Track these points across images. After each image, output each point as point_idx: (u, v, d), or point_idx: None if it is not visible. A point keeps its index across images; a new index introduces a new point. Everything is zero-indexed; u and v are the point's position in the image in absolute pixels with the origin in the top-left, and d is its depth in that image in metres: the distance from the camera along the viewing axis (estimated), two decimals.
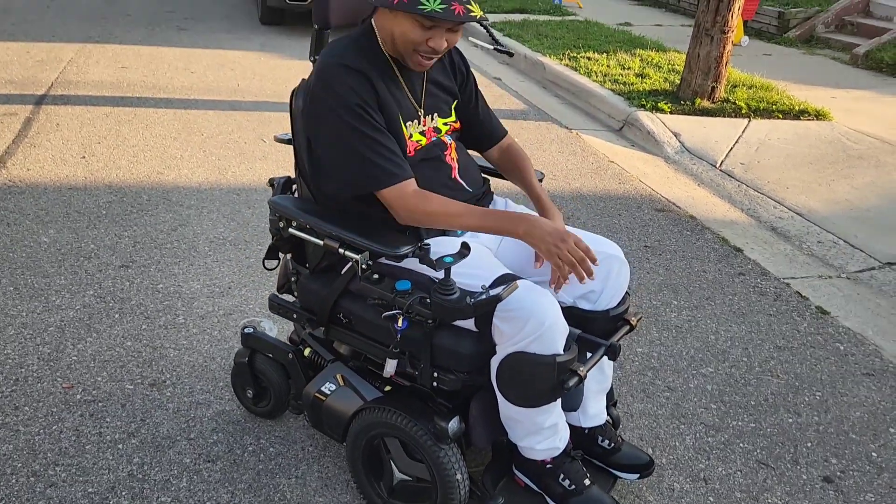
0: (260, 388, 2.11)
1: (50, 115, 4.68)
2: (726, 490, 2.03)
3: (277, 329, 2.58)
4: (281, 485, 1.94)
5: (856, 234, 3.64)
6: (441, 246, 1.65)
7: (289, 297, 1.99)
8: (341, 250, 1.64)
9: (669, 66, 6.23)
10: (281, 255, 1.96)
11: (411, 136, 1.71)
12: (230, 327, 2.60)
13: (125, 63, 6.04)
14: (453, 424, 1.63)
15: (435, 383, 1.65)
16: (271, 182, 1.98)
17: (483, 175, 1.93)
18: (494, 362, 1.59)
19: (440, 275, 1.52)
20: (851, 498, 2.03)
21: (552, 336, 1.52)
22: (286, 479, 1.96)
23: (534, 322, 1.50)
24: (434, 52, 1.62)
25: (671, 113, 5.17)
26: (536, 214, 1.64)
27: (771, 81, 5.89)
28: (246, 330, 2.09)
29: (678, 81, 5.57)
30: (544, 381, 1.53)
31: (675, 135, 4.88)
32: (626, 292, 1.82)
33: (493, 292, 1.49)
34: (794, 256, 3.47)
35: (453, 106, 1.85)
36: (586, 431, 1.91)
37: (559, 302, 1.60)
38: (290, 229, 1.77)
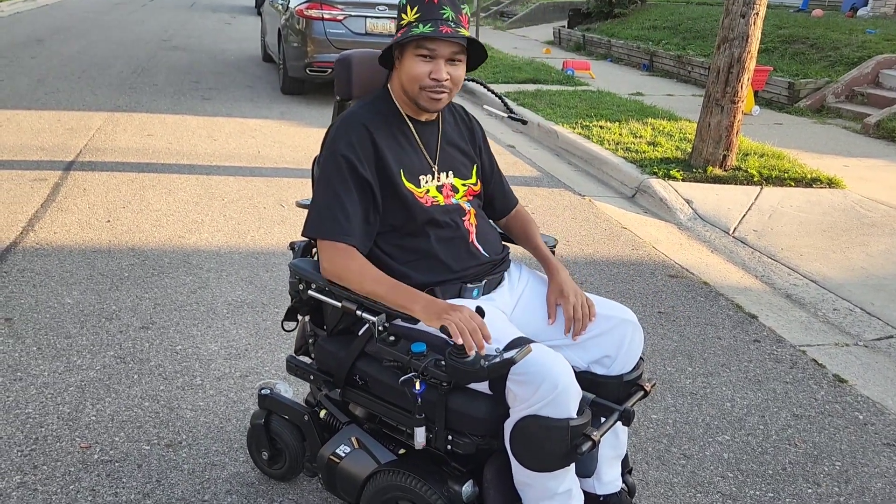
0: (275, 450, 2.12)
1: (78, 180, 4.83)
2: None
3: (293, 391, 2.61)
4: None
5: (872, 301, 3.64)
6: None
7: (306, 359, 2.02)
8: (359, 312, 1.67)
9: (681, 135, 6.35)
10: (299, 317, 2.00)
11: (428, 191, 1.79)
12: (246, 389, 2.63)
13: (151, 131, 6.25)
14: (467, 488, 1.63)
15: (449, 446, 1.65)
16: (292, 246, 2.04)
17: (504, 243, 1.98)
18: (508, 425, 1.59)
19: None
20: None
21: (565, 400, 1.53)
22: None
23: (547, 385, 1.51)
24: (439, 86, 1.72)
25: (683, 180, 5.24)
26: (434, 299, 1.64)
27: (782, 150, 5.98)
28: (263, 391, 2.12)
29: (690, 150, 5.67)
30: (557, 444, 1.53)
31: (688, 202, 4.94)
32: (641, 358, 1.82)
33: (506, 355, 1.50)
34: (810, 324, 3.46)
35: (474, 170, 1.92)
36: (601, 499, 1.88)
37: (573, 367, 1.61)
38: (310, 291, 1.81)
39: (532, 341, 1.59)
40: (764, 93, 8.56)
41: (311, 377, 1.92)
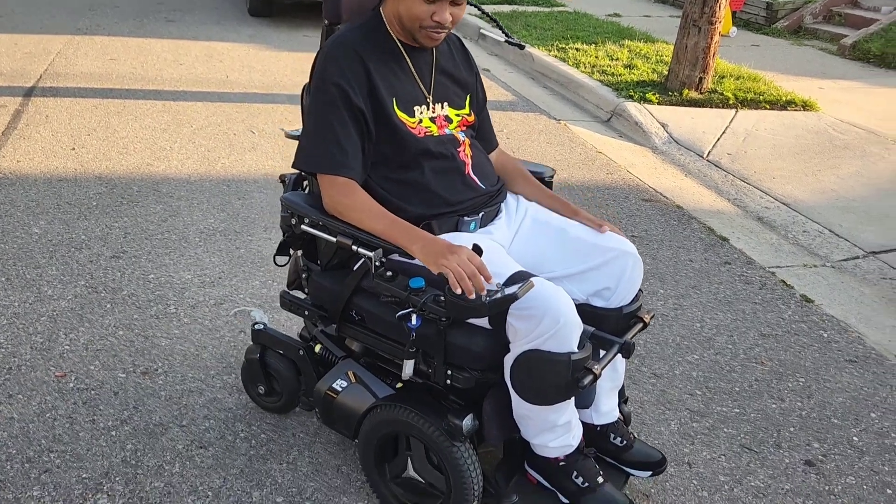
0: (271, 385, 2.12)
1: (39, 107, 4.66)
2: (710, 474, 2.07)
3: (268, 318, 2.61)
4: (272, 470, 1.97)
5: (841, 223, 3.69)
6: (454, 242, 1.62)
7: (299, 294, 1.98)
8: (354, 247, 1.63)
9: (658, 57, 6.26)
10: (291, 251, 1.95)
11: (420, 121, 1.73)
12: (221, 316, 2.62)
13: (113, 55, 6.02)
14: (467, 422, 1.61)
15: (448, 381, 1.63)
16: (282, 178, 1.97)
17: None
18: (508, 360, 1.58)
19: None
20: (833, 481, 2.08)
21: (567, 334, 1.51)
22: (278, 465, 1.99)
23: (549, 320, 1.48)
24: (440, 27, 1.65)
25: (659, 104, 5.21)
26: (433, 238, 1.58)
27: (758, 72, 5.93)
28: (256, 326, 2.08)
29: (666, 72, 5.61)
30: (559, 378, 1.52)
31: (663, 125, 4.92)
32: (640, 290, 1.80)
33: (508, 291, 1.46)
34: (780, 246, 3.52)
35: (467, 100, 1.86)
36: (598, 429, 1.89)
37: (572, 299, 1.58)
38: (303, 226, 1.75)
39: (532, 275, 1.56)
40: (742, 14, 8.43)
41: (306, 312, 1.89)
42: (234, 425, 2.11)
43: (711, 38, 5.21)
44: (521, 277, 1.53)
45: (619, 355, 1.69)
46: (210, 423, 2.12)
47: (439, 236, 1.65)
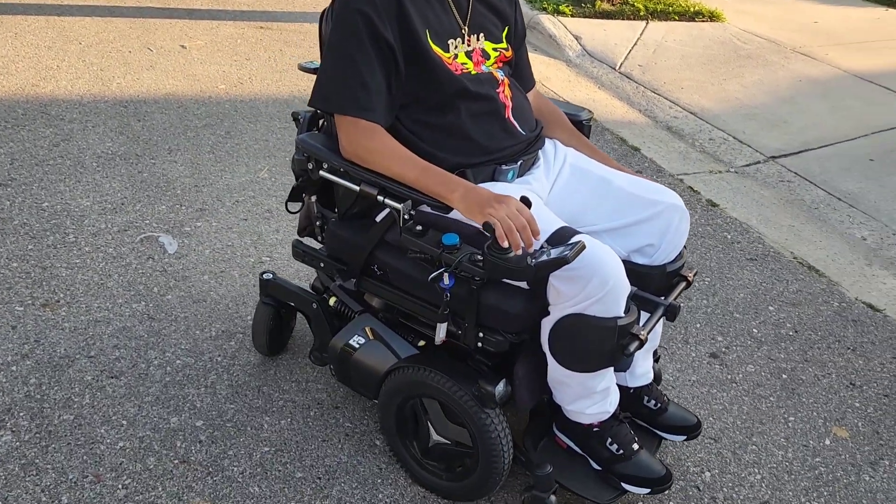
0: (281, 337, 2.01)
1: None
2: None
3: (177, 244, 2.52)
4: (190, 395, 1.93)
5: (744, 130, 3.81)
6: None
7: (312, 243, 1.84)
8: (380, 198, 1.47)
9: None
10: (305, 197, 1.77)
11: (456, 56, 1.54)
12: (126, 244, 2.50)
13: None
14: (500, 388, 1.48)
15: (480, 343, 1.50)
16: (295, 116, 1.80)
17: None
18: (547, 324, 1.44)
19: None
20: (734, 370, 2.20)
21: (615, 297, 1.37)
22: (195, 389, 1.94)
23: (597, 282, 1.34)
24: None
25: (572, 16, 5.16)
26: (473, 186, 1.42)
27: None
28: (266, 276, 1.92)
29: None
30: (603, 345, 1.40)
31: (577, 38, 4.90)
32: (684, 247, 1.67)
33: (555, 252, 1.30)
34: (688, 153, 3.61)
35: (505, 32, 1.67)
36: (632, 391, 1.80)
37: None
38: (321, 172, 1.58)
39: (577, 232, 1.41)
40: None
41: (322, 265, 1.73)
42: (146, 353, 2.05)
43: None
44: (566, 235, 1.38)
45: (664, 318, 1.56)
46: (120, 352, 2.04)
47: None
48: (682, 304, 1.59)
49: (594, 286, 1.35)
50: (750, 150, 3.62)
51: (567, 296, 1.38)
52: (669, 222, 1.60)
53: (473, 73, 1.56)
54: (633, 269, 1.57)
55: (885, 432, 2.04)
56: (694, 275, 1.67)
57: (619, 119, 3.93)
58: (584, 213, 1.63)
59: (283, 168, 3.09)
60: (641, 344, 1.41)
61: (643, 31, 5.06)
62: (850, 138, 3.71)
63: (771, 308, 2.50)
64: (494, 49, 1.63)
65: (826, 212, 3.13)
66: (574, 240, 1.34)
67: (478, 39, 1.60)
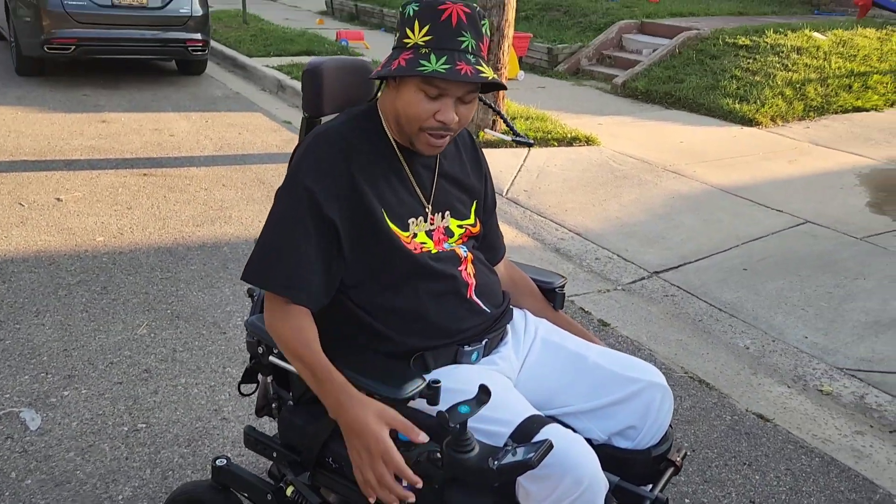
0: None
1: None
2: None
3: (41, 419, 2.31)
4: None
5: (626, 248, 3.98)
6: (452, 380, 1.38)
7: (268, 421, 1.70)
8: None
9: None
10: (260, 377, 1.67)
11: (415, 235, 1.47)
12: None
13: None
14: None
15: None
16: (250, 293, 1.70)
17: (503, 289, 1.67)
18: None
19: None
20: None
21: (591, 498, 1.26)
22: None
23: (569, 481, 1.24)
24: (444, 128, 1.39)
25: None
26: (366, 399, 1.31)
27: (546, 112, 6.34)
28: (219, 462, 1.73)
29: None
30: None
31: None
32: (670, 426, 1.54)
33: (520, 452, 1.19)
34: (577, 274, 3.71)
35: (473, 207, 1.60)
36: None
37: (591, 440, 1.39)
38: (271, 357, 1.51)
39: (548, 420, 1.32)
40: (527, 58, 9.03)
41: (275, 454, 1.61)
42: None
43: None
44: (533, 428, 1.28)
45: None
46: None
47: (436, 373, 1.43)
48: (668, 499, 1.44)
49: (567, 486, 1.24)
50: (634, 267, 3.76)
51: (538, 498, 1.27)
52: (651, 402, 1.48)
53: (434, 251, 1.49)
54: (614, 455, 1.47)
55: None
56: (683, 457, 1.55)
57: (509, 244, 3.96)
58: (557, 392, 1.52)
59: (164, 322, 2.94)
60: None
61: (526, 157, 5.31)
62: (722, 249, 3.93)
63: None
64: (460, 226, 1.55)
65: (710, 323, 3.24)
66: (542, 434, 1.25)
67: (442, 218, 1.53)
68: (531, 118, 6.07)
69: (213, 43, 8.65)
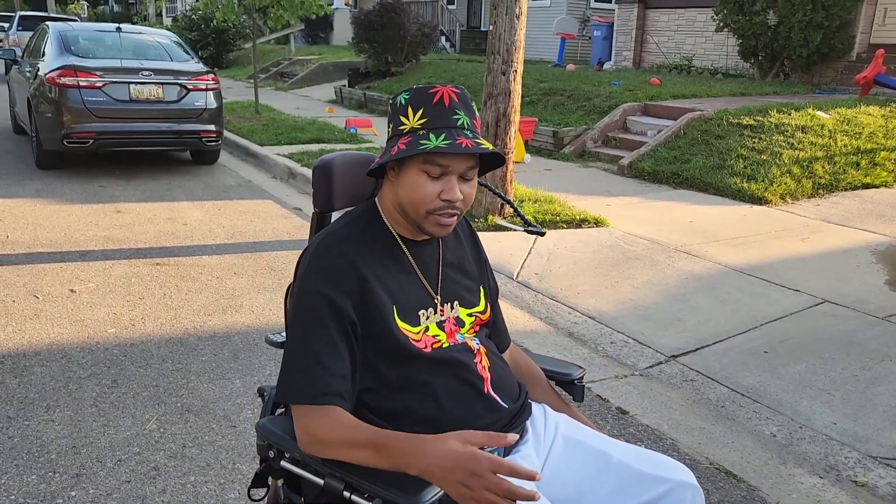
0: None
1: None
2: None
3: None
4: None
5: (642, 331, 3.92)
6: None
7: None
8: (346, 494, 1.35)
9: None
10: (270, 481, 1.62)
11: (427, 328, 1.46)
12: None
13: None
14: None
15: None
16: (261, 392, 1.67)
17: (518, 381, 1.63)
18: None
19: None
20: None
21: None
22: None
23: None
24: (451, 207, 1.40)
25: None
26: (438, 435, 1.26)
27: (553, 194, 6.40)
28: None
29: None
30: None
31: None
32: None
33: None
34: (592, 359, 3.64)
35: (482, 294, 1.60)
36: None
37: None
38: (283, 462, 1.46)
39: None
40: (533, 142, 9.20)
41: None
42: None
43: (507, 166, 5.57)
44: None
45: None
46: None
47: None
48: None
49: None
50: (651, 351, 3.70)
51: None
52: (681, 502, 1.43)
53: (446, 345, 1.47)
54: None
55: None
56: None
57: (521, 329, 3.97)
58: (582, 494, 1.47)
59: (174, 417, 2.89)
60: None
61: (535, 240, 5.32)
62: (741, 331, 3.87)
63: None
64: (469, 314, 1.55)
65: (732, 409, 3.15)
66: None
67: (451, 308, 1.52)
68: (539, 200, 6.12)
69: (225, 133, 8.88)
